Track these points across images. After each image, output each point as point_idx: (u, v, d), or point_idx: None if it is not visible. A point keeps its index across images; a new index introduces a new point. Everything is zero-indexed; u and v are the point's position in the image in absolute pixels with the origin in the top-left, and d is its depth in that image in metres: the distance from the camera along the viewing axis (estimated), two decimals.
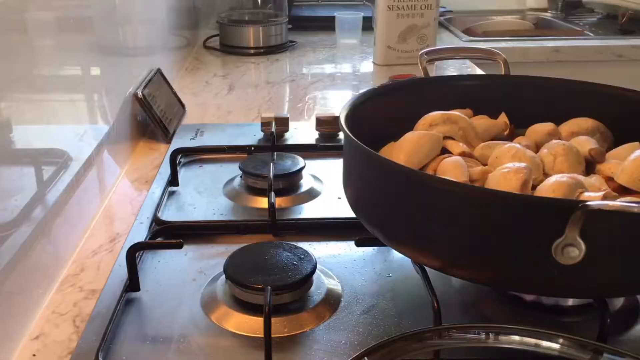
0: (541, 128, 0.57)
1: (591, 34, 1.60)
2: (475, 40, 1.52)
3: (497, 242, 0.43)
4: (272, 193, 0.67)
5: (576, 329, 0.51)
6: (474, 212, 0.43)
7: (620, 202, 0.39)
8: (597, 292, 0.46)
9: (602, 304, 0.46)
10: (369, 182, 0.50)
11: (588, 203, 0.38)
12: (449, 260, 0.46)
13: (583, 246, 0.39)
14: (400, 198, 0.47)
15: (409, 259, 0.56)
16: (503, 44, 1.44)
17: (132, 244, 0.56)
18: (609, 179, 0.50)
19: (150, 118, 0.87)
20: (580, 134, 0.56)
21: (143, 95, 0.87)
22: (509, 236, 0.42)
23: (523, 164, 0.46)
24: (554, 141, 0.53)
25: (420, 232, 0.46)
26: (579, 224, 0.39)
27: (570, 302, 0.52)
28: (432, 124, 0.56)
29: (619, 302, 0.53)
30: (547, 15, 1.81)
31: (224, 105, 1.06)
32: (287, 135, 0.89)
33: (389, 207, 0.48)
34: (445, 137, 0.55)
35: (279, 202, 0.68)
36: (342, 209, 0.65)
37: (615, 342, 0.48)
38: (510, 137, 0.59)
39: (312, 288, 0.54)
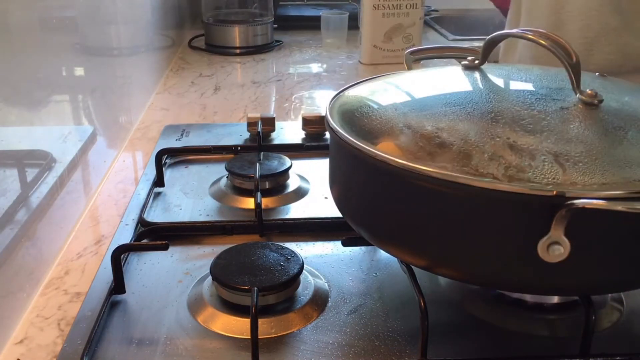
0: None
1: None
2: (462, 39, 1.53)
3: (482, 241, 0.43)
4: (259, 193, 0.67)
5: (561, 326, 0.51)
6: (459, 211, 0.43)
7: (606, 200, 0.39)
8: (583, 290, 0.46)
9: (587, 301, 0.47)
10: (353, 179, 0.50)
11: (574, 201, 0.39)
12: (435, 260, 0.46)
13: (568, 244, 0.40)
14: (384, 196, 0.47)
15: (396, 258, 0.56)
16: None
17: (117, 245, 0.56)
18: None
19: None
20: None
21: None
22: (493, 235, 0.42)
23: None
24: None
25: (405, 231, 0.46)
26: (564, 222, 0.39)
27: (556, 299, 0.53)
28: None
29: (603, 297, 0.54)
30: None
31: (209, 105, 1.06)
32: (273, 135, 0.89)
33: (373, 205, 0.48)
34: None
35: (265, 202, 0.68)
36: (329, 209, 0.65)
37: (600, 338, 0.48)
38: None
39: (299, 288, 0.54)
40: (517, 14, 1.07)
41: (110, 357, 0.48)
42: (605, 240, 0.41)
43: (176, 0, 1.42)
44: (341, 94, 0.57)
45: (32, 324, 0.52)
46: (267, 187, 0.71)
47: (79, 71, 0.76)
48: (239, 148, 0.81)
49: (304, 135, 0.89)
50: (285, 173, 0.74)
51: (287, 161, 0.75)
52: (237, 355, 0.48)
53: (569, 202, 0.39)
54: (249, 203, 0.69)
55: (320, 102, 1.09)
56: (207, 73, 1.25)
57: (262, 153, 0.77)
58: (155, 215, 0.68)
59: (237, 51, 1.39)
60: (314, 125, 0.88)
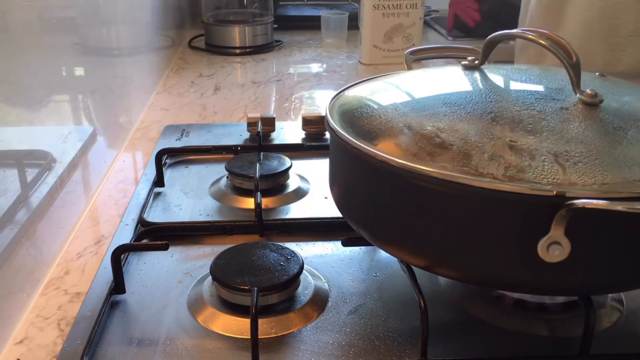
0: None
1: None
2: (462, 39, 1.53)
3: (481, 241, 0.43)
4: (259, 193, 0.67)
5: (561, 327, 0.51)
6: (459, 211, 0.43)
7: (606, 200, 0.39)
8: (583, 290, 0.46)
9: (587, 301, 0.47)
10: (353, 179, 0.50)
11: (574, 201, 0.39)
12: (435, 260, 0.46)
13: (568, 244, 0.40)
14: (384, 196, 0.47)
15: (396, 258, 0.56)
16: None
17: (117, 245, 0.56)
18: None
19: None
20: None
21: None
22: (493, 235, 0.42)
23: None
24: None
25: (405, 231, 0.46)
26: (564, 222, 0.39)
27: (556, 299, 0.53)
28: None
29: (603, 297, 0.54)
30: None
31: (209, 105, 1.06)
32: (273, 135, 0.89)
33: (373, 206, 0.48)
34: None
35: (265, 202, 0.68)
36: (329, 209, 0.65)
37: (600, 338, 0.48)
38: None
39: (299, 288, 0.54)
40: (524, 14, 1.06)
41: (110, 357, 0.48)
42: (605, 240, 0.41)
43: (176, 0, 1.42)
44: (341, 94, 0.57)
45: (32, 324, 0.52)
46: (267, 187, 0.71)
47: (79, 71, 0.76)
48: (239, 148, 0.81)
49: (304, 135, 0.89)
50: (285, 173, 0.74)
51: (287, 161, 0.75)
52: (237, 355, 0.48)
53: (569, 202, 0.39)
54: (249, 203, 0.69)
55: (320, 102, 1.09)
56: (207, 73, 1.25)
57: (262, 153, 0.77)
58: (155, 215, 0.68)
59: (237, 51, 1.39)
60: (314, 125, 0.88)
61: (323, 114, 0.58)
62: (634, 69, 0.85)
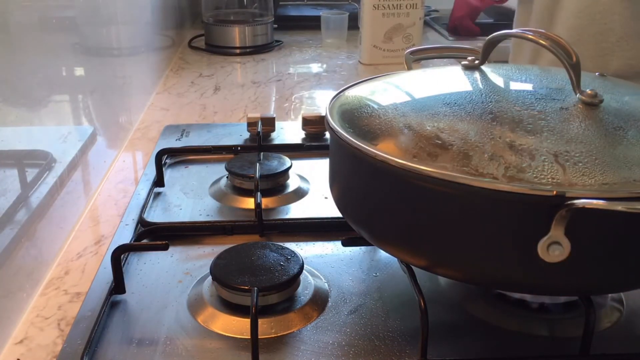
0: None
1: None
2: (462, 39, 1.53)
3: (481, 241, 0.43)
4: (259, 193, 0.67)
5: (561, 327, 0.51)
6: (459, 211, 0.43)
7: (606, 200, 0.39)
8: (583, 290, 0.46)
9: (587, 301, 0.47)
10: (353, 179, 0.50)
11: (574, 201, 0.39)
12: (435, 260, 0.46)
13: (568, 244, 0.40)
14: (384, 196, 0.47)
15: (396, 258, 0.56)
16: None
17: (117, 245, 0.56)
18: None
19: None
20: None
21: None
22: (493, 235, 0.42)
23: None
24: None
25: (405, 231, 0.46)
26: (564, 222, 0.39)
27: (556, 299, 0.53)
28: None
29: (603, 298, 0.54)
30: None
31: (209, 105, 1.06)
32: (273, 135, 0.89)
33: (373, 205, 0.48)
34: None
35: (265, 202, 0.68)
36: (329, 209, 0.65)
37: (600, 338, 0.48)
38: None
39: (299, 288, 0.54)
40: (524, 14, 1.07)
41: (110, 357, 0.48)
42: (605, 240, 0.41)
43: (176, 0, 1.42)
44: (341, 94, 0.57)
45: (32, 324, 0.52)
46: (267, 187, 0.71)
47: (79, 71, 0.76)
48: (239, 148, 0.81)
49: (304, 135, 0.89)
50: (285, 173, 0.74)
51: (287, 161, 0.75)
52: (237, 355, 0.48)
53: (569, 202, 0.39)
54: (249, 203, 0.69)
55: (320, 102, 1.09)
56: (207, 73, 1.25)
57: (262, 153, 0.77)
58: (155, 215, 0.68)
59: (237, 51, 1.39)
60: (314, 125, 0.88)
61: (323, 114, 0.58)
62: (623, 72, 0.87)
